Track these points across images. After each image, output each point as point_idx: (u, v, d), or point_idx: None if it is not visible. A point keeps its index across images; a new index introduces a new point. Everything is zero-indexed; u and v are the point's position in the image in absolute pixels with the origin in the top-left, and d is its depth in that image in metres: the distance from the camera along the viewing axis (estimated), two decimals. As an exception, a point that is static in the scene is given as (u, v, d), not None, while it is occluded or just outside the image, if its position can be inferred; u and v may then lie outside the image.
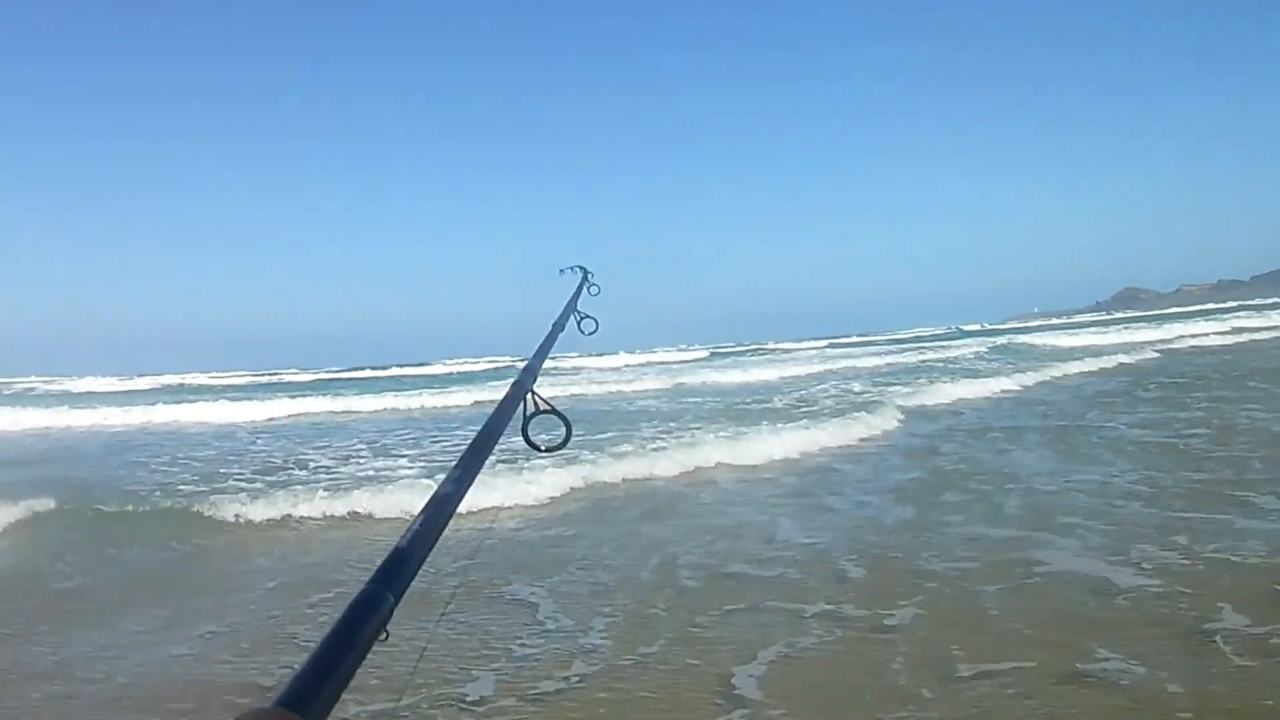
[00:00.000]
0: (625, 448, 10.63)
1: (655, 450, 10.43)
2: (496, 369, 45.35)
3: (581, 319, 2.61)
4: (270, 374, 56.30)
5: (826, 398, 16.83)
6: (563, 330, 2.38)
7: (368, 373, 49.60)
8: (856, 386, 19.01)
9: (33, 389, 42.43)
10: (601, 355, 49.87)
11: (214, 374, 56.23)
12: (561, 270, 2.91)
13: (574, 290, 2.77)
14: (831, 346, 55.13)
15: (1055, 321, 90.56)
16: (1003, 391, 16.59)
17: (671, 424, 13.51)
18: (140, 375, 52.58)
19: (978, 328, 79.52)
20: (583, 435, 11.03)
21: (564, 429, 1.66)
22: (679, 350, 59.04)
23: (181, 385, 44.46)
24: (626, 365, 43.55)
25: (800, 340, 72.88)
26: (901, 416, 13.00)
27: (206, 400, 26.60)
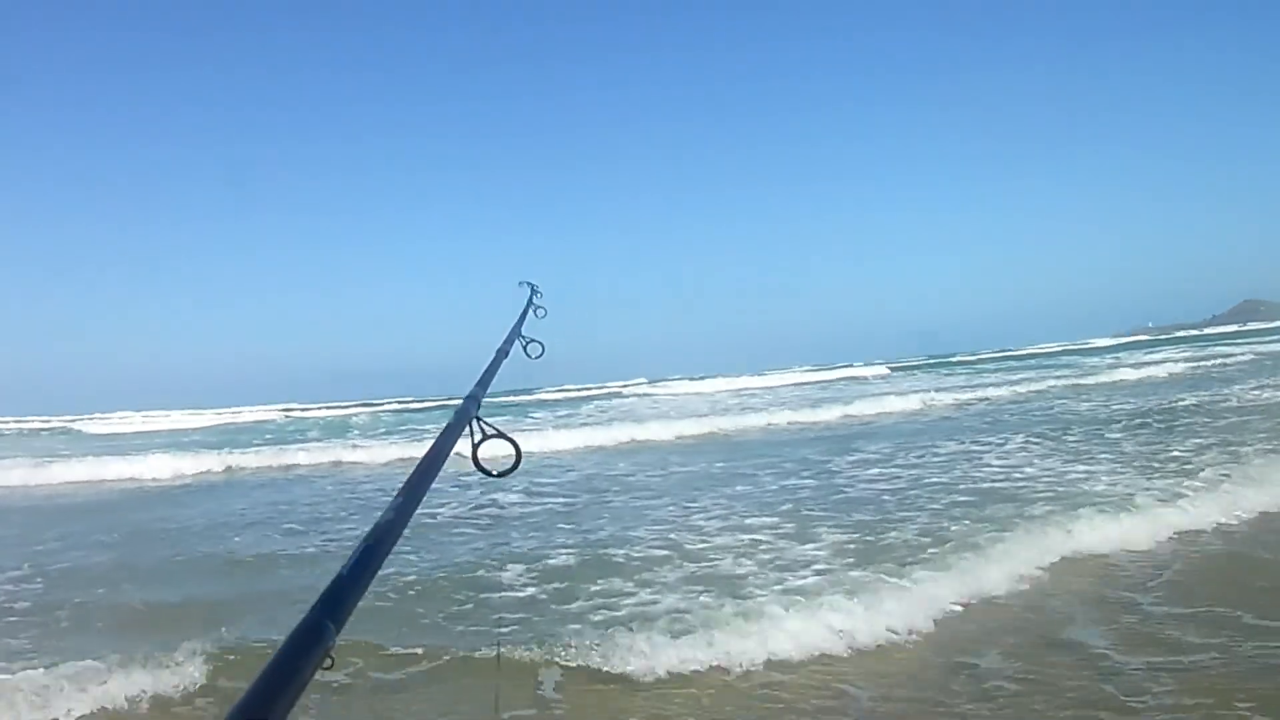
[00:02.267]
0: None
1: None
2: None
3: (527, 343, 2.63)
4: (379, 402, 53.00)
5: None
6: (507, 355, 2.40)
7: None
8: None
9: (128, 427, 39.29)
10: (758, 374, 49.81)
11: (311, 404, 52.99)
12: (520, 283, 2.94)
13: (519, 314, 2.79)
14: (1005, 358, 55.34)
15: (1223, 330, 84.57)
16: None
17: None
18: (241, 406, 50.26)
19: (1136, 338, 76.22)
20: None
21: (514, 453, 1.68)
22: (860, 366, 55.73)
23: (294, 415, 42.18)
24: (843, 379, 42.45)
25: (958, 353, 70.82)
26: None
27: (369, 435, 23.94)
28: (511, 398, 41.12)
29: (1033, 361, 48.69)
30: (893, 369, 52.63)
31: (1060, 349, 65.83)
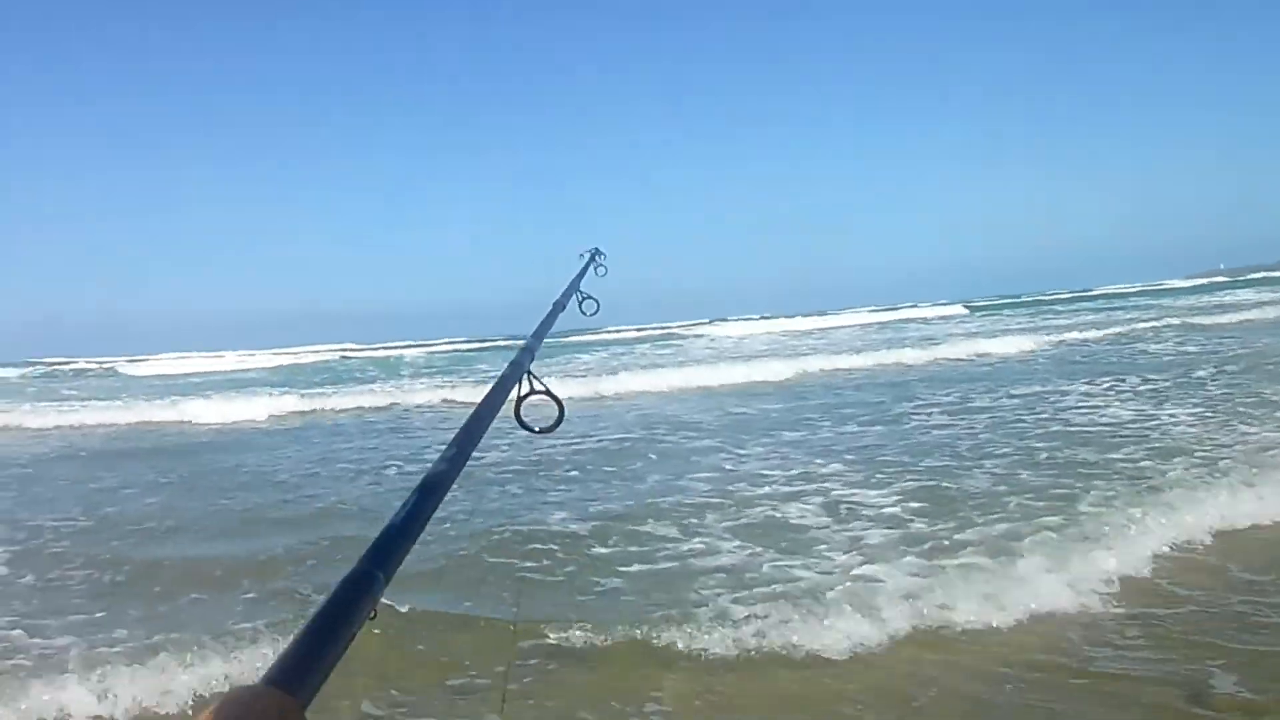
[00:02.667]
0: None
1: None
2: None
3: (583, 299, 2.64)
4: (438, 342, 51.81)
5: None
6: (563, 310, 2.40)
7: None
8: None
9: (187, 368, 38.91)
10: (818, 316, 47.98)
11: (366, 345, 52.15)
12: (581, 255, 2.97)
13: (579, 269, 2.79)
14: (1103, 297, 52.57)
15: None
16: None
17: None
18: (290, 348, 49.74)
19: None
20: None
21: (557, 411, 1.68)
22: (932, 306, 53.13)
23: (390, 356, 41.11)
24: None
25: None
26: None
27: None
28: (566, 338, 40.85)
29: (1114, 302, 46.32)
30: (970, 308, 50.23)
31: (1137, 290, 62.52)
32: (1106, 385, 12.46)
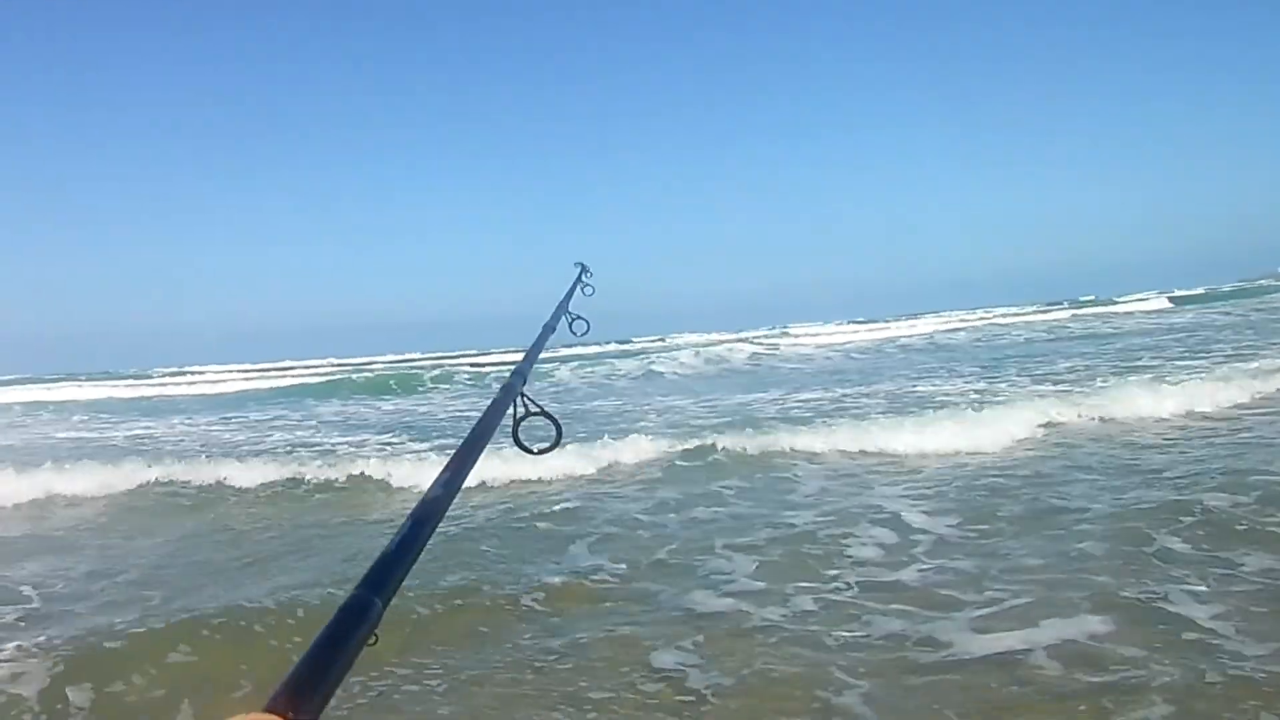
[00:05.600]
0: None
1: None
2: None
3: (573, 320, 2.66)
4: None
5: None
6: (553, 331, 2.41)
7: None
8: None
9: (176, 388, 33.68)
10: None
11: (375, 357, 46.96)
12: (576, 264, 3.02)
13: (567, 290, 2.81)
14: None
15: None
16: None
17: None
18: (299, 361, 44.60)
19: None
20: None
21: (555, 431, 1.68)
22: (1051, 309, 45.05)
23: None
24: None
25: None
26: None
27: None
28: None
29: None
30: (1173, 300, 41.45)
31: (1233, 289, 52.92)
32: None
